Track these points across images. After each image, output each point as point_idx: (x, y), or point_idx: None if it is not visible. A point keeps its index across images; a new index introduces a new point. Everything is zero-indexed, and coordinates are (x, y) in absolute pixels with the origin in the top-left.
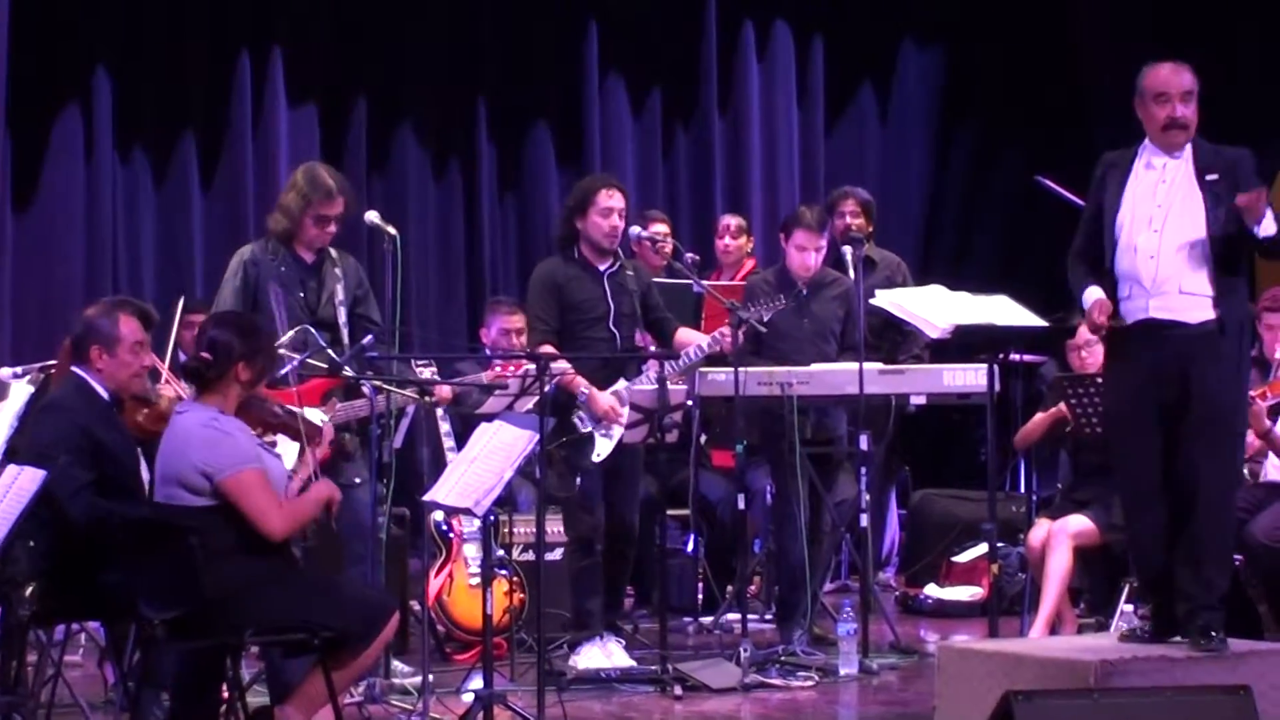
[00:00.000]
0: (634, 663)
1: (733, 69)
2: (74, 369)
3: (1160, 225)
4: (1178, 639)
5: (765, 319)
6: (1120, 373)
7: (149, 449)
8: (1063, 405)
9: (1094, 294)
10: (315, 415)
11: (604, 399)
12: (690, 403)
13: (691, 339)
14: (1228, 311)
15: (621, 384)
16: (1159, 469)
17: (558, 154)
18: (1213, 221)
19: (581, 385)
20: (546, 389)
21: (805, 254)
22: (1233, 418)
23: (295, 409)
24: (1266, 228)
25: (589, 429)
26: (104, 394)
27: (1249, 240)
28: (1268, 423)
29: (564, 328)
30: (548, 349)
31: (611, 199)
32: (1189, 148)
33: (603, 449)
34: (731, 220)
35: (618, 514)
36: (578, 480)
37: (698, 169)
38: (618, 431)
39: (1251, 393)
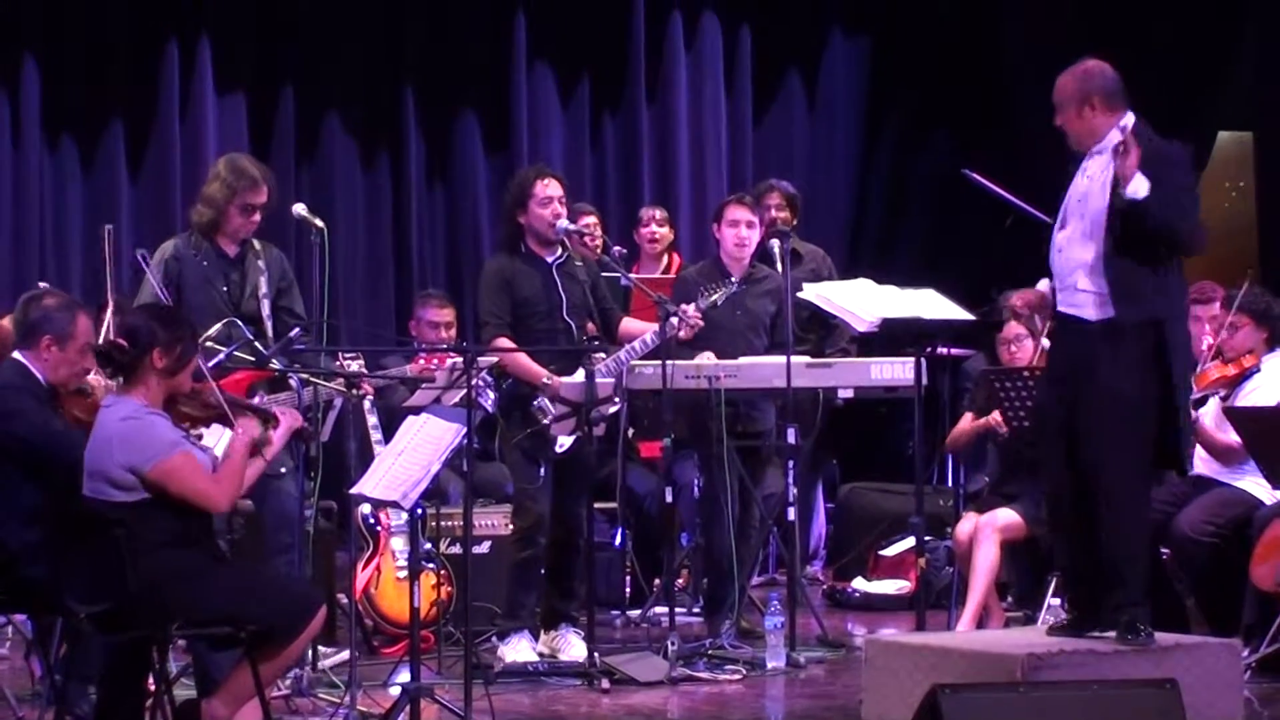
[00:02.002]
0: (584, 654)
1: (661, 59)
2: (16, 355)
3: (1067, 220)
4: (1098, 632)
5: (719, 304)
6: (1046, 368)
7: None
8: (995, 415)
9: (1044, 283)
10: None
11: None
12: (617, 398)
13: (637, 328)
14: (1129, 311)
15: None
16: (1068, 465)
17: (486, 144)
18: (1112, 216)
19: (543, 375)
20: (505, 385)
21: (738, 228)
22: (1133, 414)
23: (240, 399)
24: (1136, 188)
25: (549, 419)
26: (43, 381)
27: (1125, 211)
28: (1194, 413)
29: (517, 321)
30: (502, 343)
31: (548, 188)
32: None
33: (565, 440)
34: (656, 211)
35: (566, 504)
36: (541, 471)
37: (625, 159)
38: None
39: None
